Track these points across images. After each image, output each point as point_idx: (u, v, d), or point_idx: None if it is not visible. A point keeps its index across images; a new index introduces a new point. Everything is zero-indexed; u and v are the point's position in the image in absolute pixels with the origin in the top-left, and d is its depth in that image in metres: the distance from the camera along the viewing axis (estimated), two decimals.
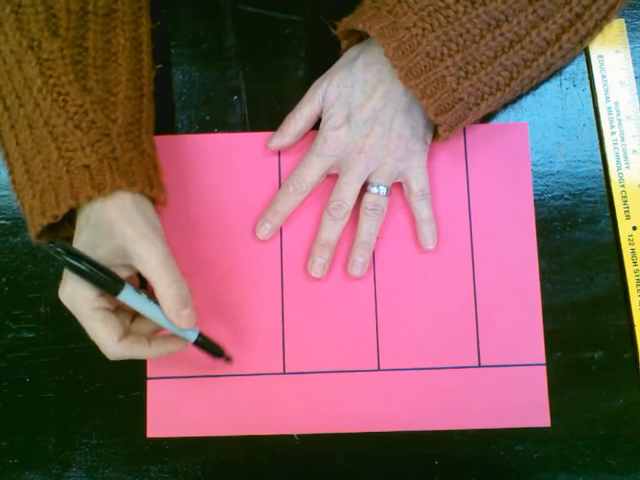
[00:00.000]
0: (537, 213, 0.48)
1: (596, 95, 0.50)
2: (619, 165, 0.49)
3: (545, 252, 0.48)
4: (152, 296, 0.41)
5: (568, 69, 0.50)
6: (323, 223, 0.46)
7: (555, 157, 0.49)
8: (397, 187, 0.48)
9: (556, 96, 0.50)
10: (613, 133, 0.49)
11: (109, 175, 0.39)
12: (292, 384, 0.47)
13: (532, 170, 0.49)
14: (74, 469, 0.46)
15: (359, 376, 0.47)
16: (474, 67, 0.42)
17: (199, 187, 0.48)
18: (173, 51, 0.51)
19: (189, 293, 0.40)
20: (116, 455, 0.46)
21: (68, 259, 0.38)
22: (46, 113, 0.39)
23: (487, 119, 0.49)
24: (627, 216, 0.48)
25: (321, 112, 0.47)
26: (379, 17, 0.42)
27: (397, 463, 0.46)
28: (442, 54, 0.41)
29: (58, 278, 0.48)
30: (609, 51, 0.50)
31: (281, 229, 0.48)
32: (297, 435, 0.46)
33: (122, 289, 0.39)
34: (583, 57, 0.50)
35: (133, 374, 0.47)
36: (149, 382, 0.47)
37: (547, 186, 0.49)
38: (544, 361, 0.47)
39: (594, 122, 0.50)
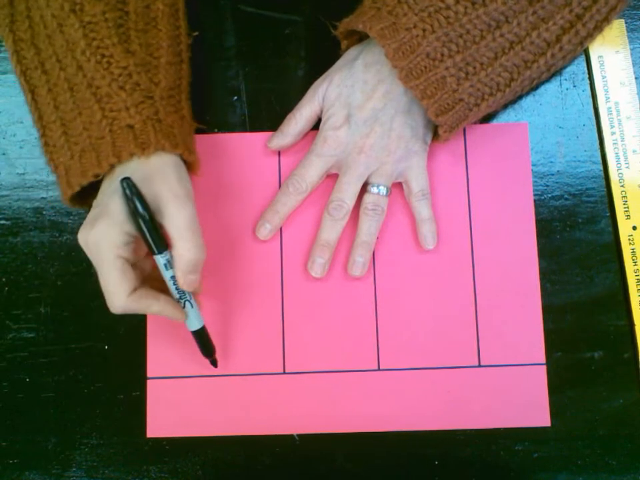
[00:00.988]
0: (537, 213, 0.48)
1: (596, 95, 0.50)
2: (618, 165, 0.49)
3: (545, 252, 0.48)
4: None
5: (568, 69, 0.50)
6: (323, 223, 0.46)
7: (555, 156, 0.49)
8: (397, 187, 0.48)
9: (556, 96, 0.50)
10: (613, 133, 0.49)
11: (153, 136, 0.40)
12: (292, 384, 0.47)
13: (532, 170, 0.49)
14: (74, 469, 0.46)
15: (359, 376, 0.47)
16: (474, 68, 0.42)
17: (199, 187, 0.48)
18: None
19: (203, 261, 0.41)
20: (116, 455, 0.46)
21: (136, 199, 0.38)
22: (90, 74, 0.40)
23: (487, 119, 0.49)
24: (627, 216, 0.48)
25: (321, 112, 0.47)
26: (380, 18, 0.42)
27: (397, 463, 0.46)
28: (442, 55, 0.41)
29: (58, 278, 0.48)
30: (609, 51, 0.50)
31: (281, 228, 0.48)
32: (297, 435, 0.46)
33: (165, 249, 0.40)
34: (583, 57, 0.50)
35: (133, 374, 0.47)
36: (148, 382, 0.47)
37: (547, 186, 0.49)
38: (544, 361, 0.47)
39: (594, 122, 0.50)
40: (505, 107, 0.49)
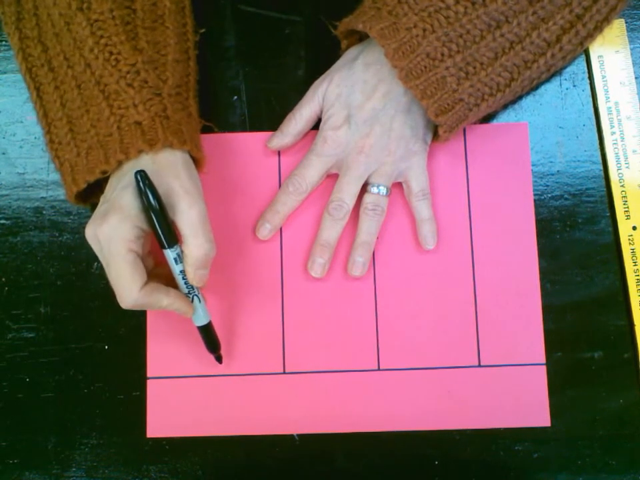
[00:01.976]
0: (537, 213, 0.48)
1: (596, 95, 0.50)
2: (618, 165, 0.49)
3: (545, 252, 0.48)
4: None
5: (568, 69, 0.50)
6: (323, 223, 0.46)
7: (555, 157, 0.49)
8: (397, 186, 0.48)
9: (556, 96, 0.50)
10: (613, 133, 0.49)
11: (161, 132, 0.40)
12: (292, 384, 0.47)
13: (532, 170, 0.49)
14: (74, 469, 0.46)
15: (359, 376, 0.47)
16: (474, 68, 0.42)
17: None
18: None
19: (213, 257, 0.41)
20: (116, 455, 0.46)
21: (149, 191, 0.38)
22: (98, 72, 0.40)
23: (487, 119, 0.49)
24: (627, 216, 0.48)
25: (321, 112, 0.47)
26: (380, 18, 0.42)
27: (397, 463, 0.46)
28: (442, 55, 0.41)
29: (58, 278, 0.48)
30: (608, 51, 0.50)
31: (281, 229, 0.48)
32: (297, 435, 0.46)
33: (175, 243, 0.40)
34: (583, 57, 0.50)
35: (133, 374, 0.47)
36: (148, 382, 0.47)
37: (547, 186, 0.49)
38: (544, 361, 0.47)
39: (594, 122, 0.50)
40: (505, 107, 0.49)
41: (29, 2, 0.43)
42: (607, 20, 0.44)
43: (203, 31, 0.47)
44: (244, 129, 0.50)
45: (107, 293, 0.47)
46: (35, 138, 0.49)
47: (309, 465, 0.46)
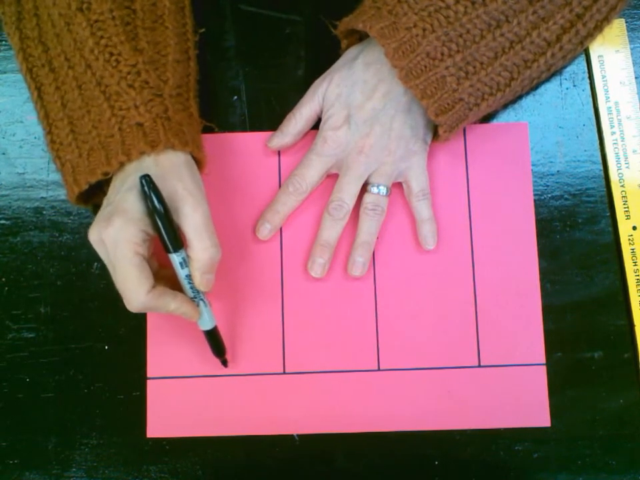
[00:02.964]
0: (537, 213, 0.48)
1: (596, 95, 0.50)
2: (618, 165, 0.49)
3: (545, 252, 0.48)
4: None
5: (568, 69, 0.50)
6: (323, 223, 0.46)
7: (555, 157, 0.49)
8: (397, 186, 0.48)
9: (556, 96, 0.50)
10: (613, 133, 0.49)
11: (163, 133, 0.40)
12: (292, 384, 0.47)
13: (532, 170, 0.49)
14: (74, 469, 0.46)
15: (359, 376, 0.47)
16: (474, 67, 0.42)
17: None
18: None
19: (218, 260, 0.41)
20: (116, 455, 0.46)
21: (154, 196, 0.38)
22: (98, 73, 0.40)
23: (487, 119, 0.49)
24: (627, 216, 0.48)
25: (321, 112, 0.47)
26: (379, 17, 0.42)
27: (397, 463, 0.46)
28: (442, 54, 0.41)
29: (58, 278, 0.48)
30: (609, 51, 0.50)
31: (281, 229, 0.48)
32: (297, 435, 0.46)
33: (180, 248, 0.40)
34: (583, 57, 0.50)
35: (133, 374, 0.47)
36: (148, 382, 0.47)
37: (547, 186, 0.49)
38: (544, 361, 0.47)
39: (594, 122, 0.50)
40: (505, 106, 0.49)
41: (29, 2, 0.43)
42: (607, 19, 0.44)
43: (202, 30, 0.47)
44: (244, 129, 0.50)
45: (106, 293, 0.47)
46: (35, 138, 0.49)
47: (308, 465, 0.46)
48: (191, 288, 0.41)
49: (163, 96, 0.41)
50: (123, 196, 0.39)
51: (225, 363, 0.45)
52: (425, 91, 0.42)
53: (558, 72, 0.50)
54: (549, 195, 0.49)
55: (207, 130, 0.49)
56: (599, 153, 0.49)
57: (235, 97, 0.50)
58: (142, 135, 0.39)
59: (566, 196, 0.49)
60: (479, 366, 0.47)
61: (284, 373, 0.47)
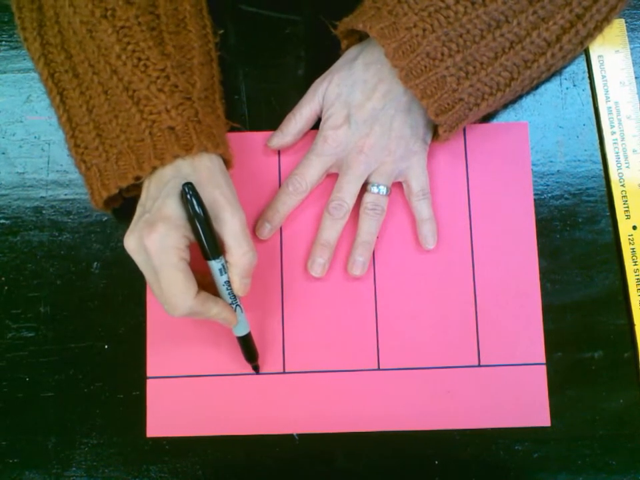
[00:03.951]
0: (537, 213, 0.48)
1: (596, 94, 0.50)
2: (619, 165, 0.49)
3: (545, 252, 0.48)
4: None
5: (568, 68, 0.50)
6: (323, 223, 0.46)
7: (555, 156, 0.49)
8: (397, 186, 0.48)
9: (556, 96, 0.50)
10: (613, 133, 0.49)
11: (195, 137, 0.40)
12: (292, 384, 0.47)
13: (532, 170, 0.49)
14: (74, 469, 0.46)
15: (359, 376, 0.47)
16: (474, 68, 0.42)
17: None
18: None
19: (255, 265, 0.41)
20: (116, 455, 0.46)
21: (196, 204, 0.38)
22: (126, 78, 0.40)
23: (487, 118, 0.49)
24: (627, 216, 0.48)
25: (321, 111, 0.47)
26: (380, 17, 0.42)
27: (397, 463, 0.46)
28: (442, 54, 0.41)
29: (57, 277, 0.48)
30: (609, 50, 0.50)
31: (280, 228, 0.48)
32: (297, 435, 0.46)
33: (220, 254, 0.40)
34: (583, 57, 0.50)
35: (133, 374, 0.47)
36: (148, 382, 0.47)
37: (547, 186, 0.49)
38: (544, 361, 0.47)
39: (594, 122, 0.50)
40: (505, 106, 0.49)
41: (50, 10, 0.43)
42: (607, 19, 0.44)
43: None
44: (244, 129, 0.50)
45: (106, 292, 0.47)
46: (35, 138, 0.49)
47: (309, 465, 0.46)
48: (229, 294, 0.41)
49: (192, 99, 0.41)
50: (163, 202, 0.38)
51: (256, 368, 0.46)
52: (425, 90, 0.42)
53: (558, 72, 0.50)
54: (549, 195, 0.49)
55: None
56: (599, 153, 0.49)
57: (235, 97, 0.50)
58: (174, 138, 0.39)
59: (566, 195, 0.49)
60: (479, 365, 0.47)
61: (284, 372, 0.47)
